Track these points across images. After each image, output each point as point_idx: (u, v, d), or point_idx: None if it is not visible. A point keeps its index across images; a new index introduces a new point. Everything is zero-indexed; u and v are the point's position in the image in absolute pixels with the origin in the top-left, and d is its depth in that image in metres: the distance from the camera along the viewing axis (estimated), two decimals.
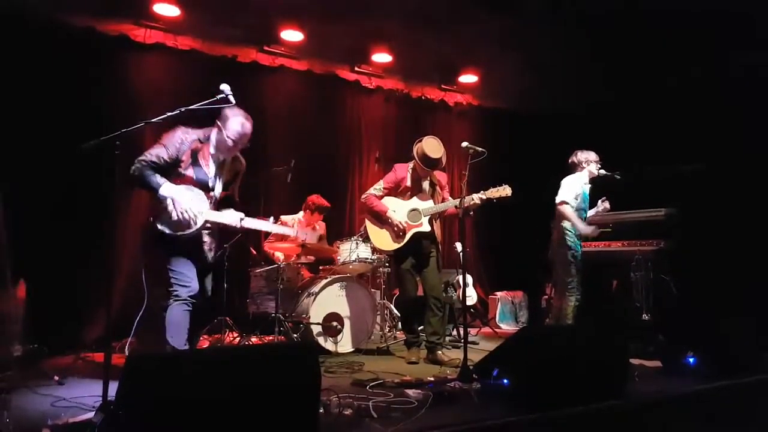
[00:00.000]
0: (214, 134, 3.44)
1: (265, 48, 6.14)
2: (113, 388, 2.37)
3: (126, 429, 2.04)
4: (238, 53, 6.08)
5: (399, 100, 7.26)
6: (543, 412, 2.71)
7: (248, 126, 3.42)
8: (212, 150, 3.46)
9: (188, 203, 3.30)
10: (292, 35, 5.89)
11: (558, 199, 4.76)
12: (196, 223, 3.34)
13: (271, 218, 4.09)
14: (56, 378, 3.59)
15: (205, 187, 3.44)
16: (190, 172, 3.39)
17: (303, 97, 6.54)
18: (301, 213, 5.72)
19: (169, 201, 3.26)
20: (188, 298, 3.32)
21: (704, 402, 3.28)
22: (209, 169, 3.47)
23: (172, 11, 5.35)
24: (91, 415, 2.54)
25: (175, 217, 3.27)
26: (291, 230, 4.05)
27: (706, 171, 5.05)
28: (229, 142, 3.39)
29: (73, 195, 4.98)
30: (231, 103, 3.18)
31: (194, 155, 3.41)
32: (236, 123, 3.37)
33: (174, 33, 5.68)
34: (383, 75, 6.93)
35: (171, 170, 3.35)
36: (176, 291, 3.32)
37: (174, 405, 2.07)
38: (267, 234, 5.64)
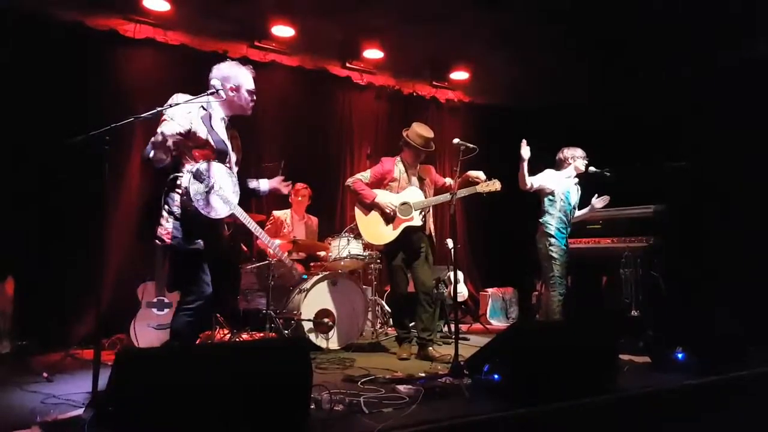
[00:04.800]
0: (214, 97, 3.04)
1: (256, 43, 6.11)
2: (103, 384, 2.37)
3: (116, 426, 2.03)
4: (229, 48, 6.04)
5: (390, 97, 7.25)
6: (533, 407, 2.73)
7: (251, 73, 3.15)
8: (221, 114, 3.14)
9: (220, 179, 2.93)
10: (283, 31, 5.86)
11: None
12: (229, 204, 2.97)
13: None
14: (45, 375, 3.57)
15: (224, 156, 3.09)
16: (207, 138, 2.98)
17: (294, 92, 6.51)
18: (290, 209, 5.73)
19: (187, 177, 2.88)
20: (198, 304, 2.92)
21: (693, 397, 3.31)
22: (222, 135, 3.10)
23: (161, 6, 5.31)
24: (80, 411, 2.53)
25: (201, 198, 2.87)
26: (271, 243, 3.69)
27: (694, 168, 5.08)
28: (246, 97, 3.13)
29: (62, 191, 4.94)
30: (222, 98, 3.14)
31: (204, 120, 3.05)
32: (244, 74, 3.10)
33: (164, 28, 5.63)
34: (374, 71, 6.91)
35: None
36: (187, 296, 2.94)
37: (164, 401, 2.06)
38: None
